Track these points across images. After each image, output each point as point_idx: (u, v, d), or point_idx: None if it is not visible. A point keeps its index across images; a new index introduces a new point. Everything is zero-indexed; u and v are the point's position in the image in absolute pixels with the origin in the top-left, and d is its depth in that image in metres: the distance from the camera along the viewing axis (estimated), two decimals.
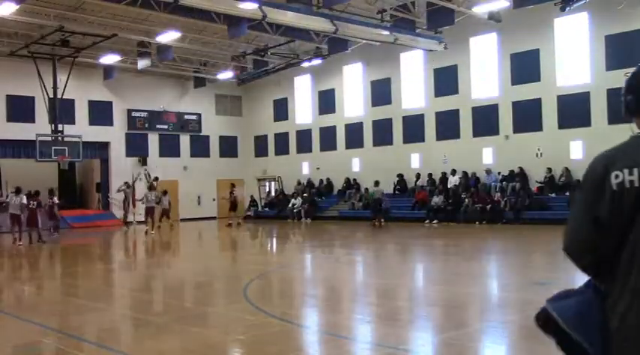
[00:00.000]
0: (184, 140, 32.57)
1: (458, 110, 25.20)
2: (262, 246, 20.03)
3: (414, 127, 26.71)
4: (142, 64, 26.62)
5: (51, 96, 26.13)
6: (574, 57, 21.94)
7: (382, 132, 27.93)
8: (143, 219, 24.28)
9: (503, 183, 23.09)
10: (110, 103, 30.17)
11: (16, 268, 14.61)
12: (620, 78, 20.77)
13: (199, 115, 32.99)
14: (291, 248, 18.21)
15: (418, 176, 26.16)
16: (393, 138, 27.60)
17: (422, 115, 26.52)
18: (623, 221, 2.06)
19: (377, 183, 24.96)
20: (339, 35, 21.81)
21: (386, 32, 21.77)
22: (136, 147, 30.71)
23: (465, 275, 10.96)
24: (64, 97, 26.62)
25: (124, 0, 18.25)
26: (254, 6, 18.42)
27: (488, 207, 22.22)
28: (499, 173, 23.69)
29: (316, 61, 27.39)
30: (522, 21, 22.25)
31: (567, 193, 21.34)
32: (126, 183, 26.04)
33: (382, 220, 23.84)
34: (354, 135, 29.08)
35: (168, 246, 20.10)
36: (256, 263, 14.36)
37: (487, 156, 24.37)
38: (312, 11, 20.06)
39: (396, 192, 26.78)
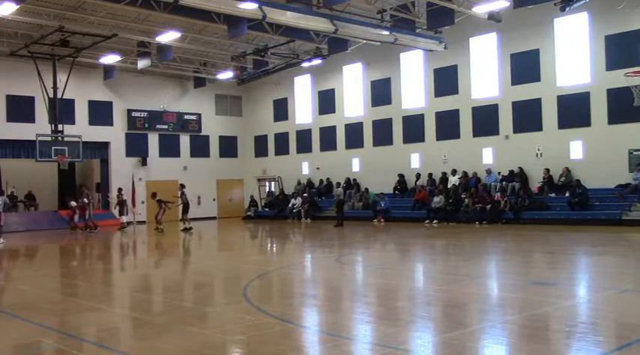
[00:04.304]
0: (184, 140, 32.58)
1: (458, 110, 25.21)
2: (262, 246, 20.02)
3: (414, 127, 26.72)
4: (142, 64, 26.63)
5: (51, 96, 26.16)
6: (574, 57, 21.95)
7: (382, 132, 27.93)
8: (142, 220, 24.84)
9: (503, 183, 23.09)
10: (110, 103, 30.19)
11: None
12: (620, 78, 20.96)
13: (199, 115, 33.00)
14: (290, 248, 18.20)
15: (418, 176, 26.16)
16: (393, 138, 27.61)
17: (422, 115, 26.52)
18: None
19: (338, 185, 27.12)
20: (339, 35, 21.81)
21: (386, 32, 21.76)
22: (136, 147, 30.72)
23: (465, 276, 10.96)
24: (64, 97, 26.65)
25: (124, 0, 18.25)
26: (254, 6, 18.42)
27: (488, 207, 22.22)
28: (499, 173, 23.70)
29: (316, 61, 27.39)
30: (522, 21, 22.27)
31: (567, 193, 21.36)
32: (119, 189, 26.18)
33: (382, 219, 23.95)
34: (354, 135, 29.09)
35: (167, 246, 20.09)
36: (256, 263, 14.35)
37: (487, 156, 24.37)
38: (312, 11, 20.06)
39: (396, 192, 26.78)
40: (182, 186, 24.43)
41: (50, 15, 21.28)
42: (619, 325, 6.93)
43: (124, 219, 25.42)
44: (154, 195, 23.80)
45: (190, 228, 23.50)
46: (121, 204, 25.32)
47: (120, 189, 25.86)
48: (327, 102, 30.43)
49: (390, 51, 25.90)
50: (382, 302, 8.78)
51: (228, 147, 34.25)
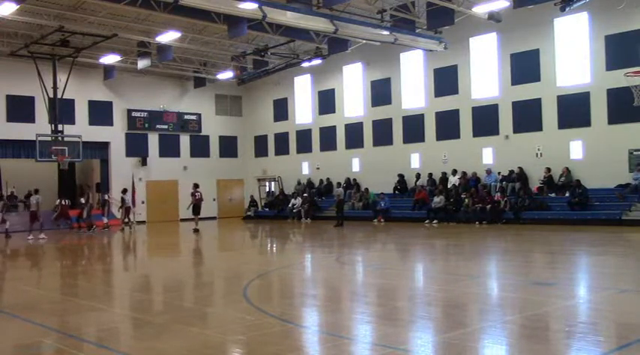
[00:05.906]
0: (184, 140, 32.58)
1: (458, 110, 25.21)
2: (262, 246, 20.02)
3: (414, 127, 26.71)
4: (142, 64, 26.62)
5: (51, 96, 26.16)
6: (574, 57, 21.95)
7: (382, 132, 27.93)
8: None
9: (503, 183, 23.09)
10: (110, 103, 30.19)
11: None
12: (620, 78, 20.96)
13: (199, 115, 33.00)
14: (290, 248, 18.20)
15: (418, 176, 26.16)
16: (393, 138, 27.60)
17: (422, 115, 26.52)
18: None
19: (338, 185, 27.33)
20: (339, 35, 21.80)
21: (386, 32, 21.76)
22: (136, 147, 30.71)
23: (465, 275, 10.97)
24: (64, 97, 26.65)
25: (124, 0, 18.25)
26: (254, 6, 18.42)
27: (488, 207, 22.22)
28: (499, 173, 23.69)
29: (316, 61, 27.39)
30: (522, 21, 22.27)
31: (567, 193, 21.36)
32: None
33: (382, 219, 24.00)
34: (354, 135, 29.08)
35: (167, 246, 20.10)
36: (256, 263, 14.36)
37: (487, 156, 24.37)
38: (312, 11, 20.05)
39: (396, 192, 26.78)
40: (195, 185, 24.04)
41: (50, 15, 21.28)
42: (619, 325, 6.93)
43: (105, 219, 25.59)
44: (124, 191, 25.03)
45: (195, 229, 23.42)
46: (107, 204, 25.58)
47: (106, 191, 26.12)
48: (327, 102, 30.43)
49: (390, 51, 25.89)
50: (382, 302, 8.78)
51: (228, 147, 34.25)
